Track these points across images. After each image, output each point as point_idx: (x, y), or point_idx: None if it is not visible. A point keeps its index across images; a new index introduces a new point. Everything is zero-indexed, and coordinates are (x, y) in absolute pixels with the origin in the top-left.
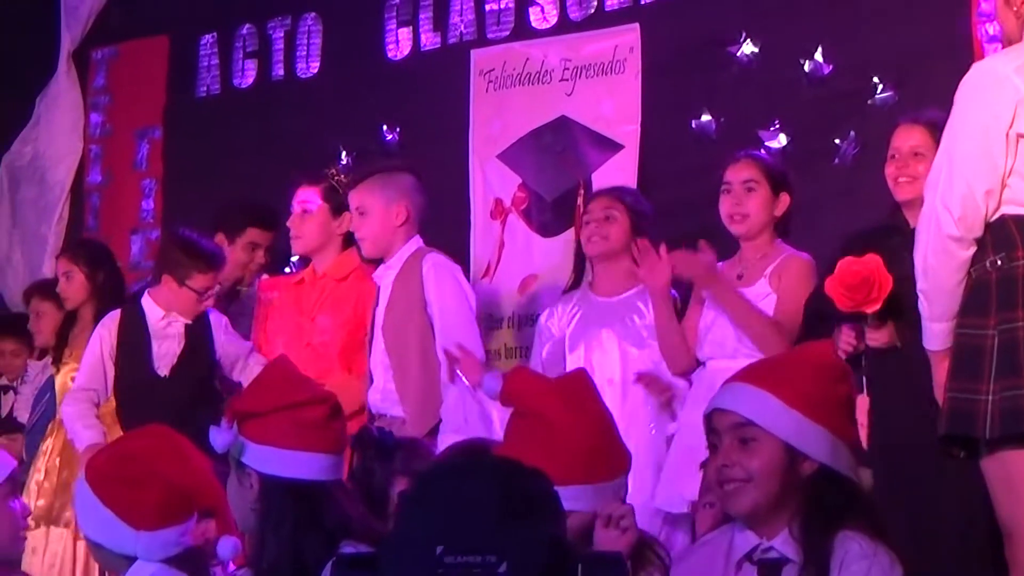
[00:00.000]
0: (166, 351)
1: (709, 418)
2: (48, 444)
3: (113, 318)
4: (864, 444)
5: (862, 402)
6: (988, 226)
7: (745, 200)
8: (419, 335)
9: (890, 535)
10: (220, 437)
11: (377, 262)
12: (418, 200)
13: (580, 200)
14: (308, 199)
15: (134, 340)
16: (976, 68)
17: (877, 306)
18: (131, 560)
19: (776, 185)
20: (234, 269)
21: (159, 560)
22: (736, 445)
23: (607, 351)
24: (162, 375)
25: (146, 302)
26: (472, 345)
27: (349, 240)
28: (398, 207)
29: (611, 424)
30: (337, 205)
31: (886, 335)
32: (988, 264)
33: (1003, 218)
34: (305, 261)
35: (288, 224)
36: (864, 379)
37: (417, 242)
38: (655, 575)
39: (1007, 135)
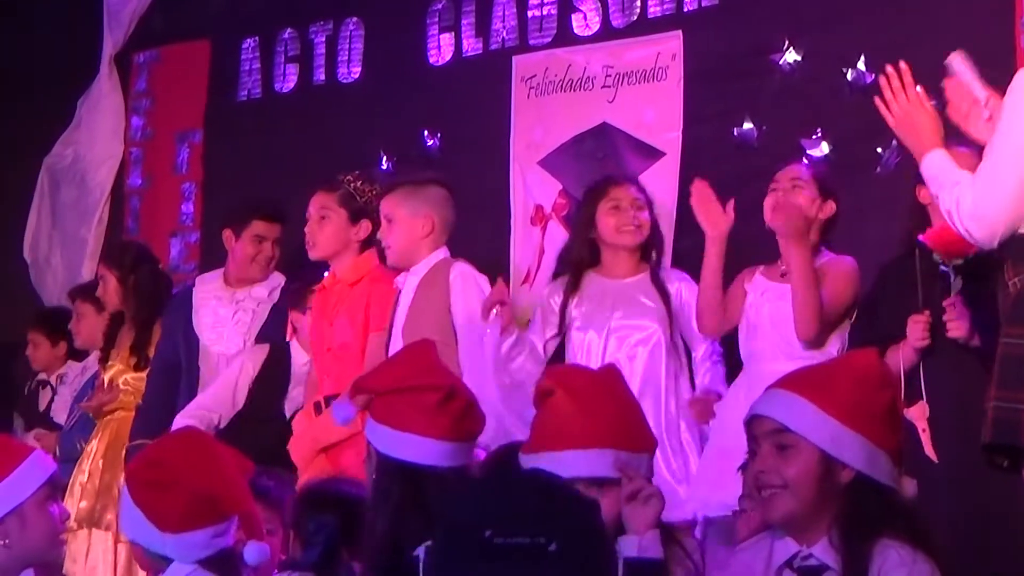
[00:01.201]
0: (296, 395)
1: (749, 424)
2: (93, 446)
3: (262, 350)
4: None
5: (922, 409)
6: None
7: (790, 195)
8: (440, 341)
9: (937, 543)
10: (341, 411)
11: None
12: (445, 213)
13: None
14: (325, 205)
15: (274, 381)
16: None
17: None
18: (168, 560)
19: (824, 190)
20: (243, 263)
21: (193, 561)
22: (773, 451)
23: (620, 333)
24: (286, 417)
25: (295, 345)
26: (486, 360)
27: (369, 245)
28: (424, 219)
29: (638, 406)
30: (354, 211)
31: (966, 324)
32: None
33: None
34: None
35: (306, 231)
36: (923, 385)
37: (444, 252)
38: (677, 572)
39: None
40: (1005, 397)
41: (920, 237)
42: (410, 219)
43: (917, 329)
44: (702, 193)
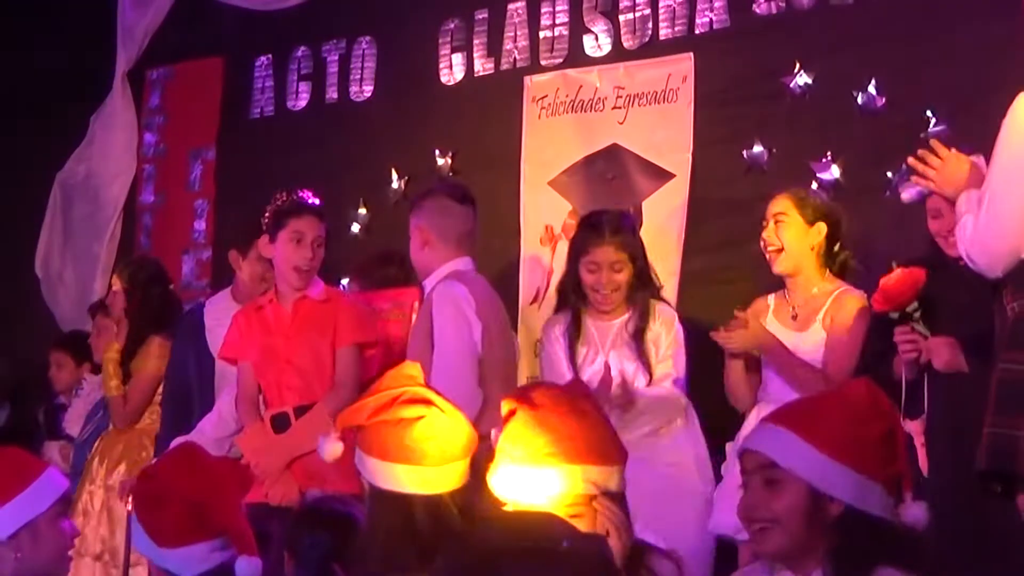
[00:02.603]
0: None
1: (741, 458)
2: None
3: None
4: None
5: (914, 426)
6: None
7: (776, 232)
8: (425, 360)
9: (938, 569)
10: (327, 447)
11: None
12: (442, 223)
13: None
14: (320, 233)
15: None
16: (1020, 104)
17: (913, 300)
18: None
19: (809, 216)
20: (251, 283)
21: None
22: (761, 486)
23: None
24: None
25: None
26: (456, 387)
27: None
28: (416, 231)
29: (605, 419)
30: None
31: (947, 352)
32: None
33: None
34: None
35: (298, 254)
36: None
37: (453, 266)
38: None
39: None
40: (1001, 423)
41: (876, 308)
42: (411, 231)
43: (901, 342)
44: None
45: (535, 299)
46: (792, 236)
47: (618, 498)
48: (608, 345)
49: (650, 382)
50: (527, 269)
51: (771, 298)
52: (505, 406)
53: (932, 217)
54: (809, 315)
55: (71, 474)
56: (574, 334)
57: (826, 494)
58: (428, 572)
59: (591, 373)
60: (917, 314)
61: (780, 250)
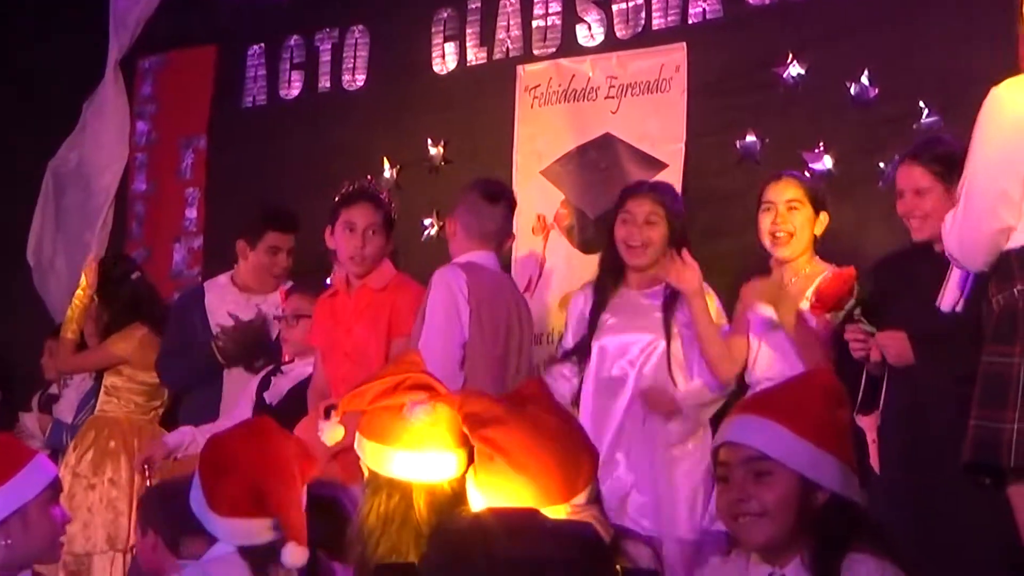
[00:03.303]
0: None
1: (717, 451)
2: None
3: None
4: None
5: (868, 421)
6: (1015, 253)
7: (790, 219)
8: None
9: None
10: (328, 430)
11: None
12: (470, 219)
13: None
14: (375, 220)
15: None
16: (992, 97)
17: (848, 299)
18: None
19: (817, 205)
20: (257, 273)
21: (234, 546)
22: (750, 479)
23: (641, 344)
24: None
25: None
26: (436, 365)
27: None
28: (450, 223)
29: (573, 436)
30: (391, 224)
31: (896, 345)
32: (1016, 292)
33: None
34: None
35: (350, 244)
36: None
37: (468, 257)
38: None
39: (1021, 172)
40: (986, 416)
41: (813, 311)
42: (449, 225)
43: (851, 339)
44: (668, 262)
45: (527, 288)
46: (802, 223)
47: (594, 499)
48: (625, 316)
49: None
50: (519, 258)
51: (758, 286)
52: (479, 448)
53: (898, 197)
54: (797, 295)
55: (47, 447)
56: (599, 306)
57: (814, 482)
58: (420, 558)
59: (617, 343)
60: (858, 311)
61: (792, 235)
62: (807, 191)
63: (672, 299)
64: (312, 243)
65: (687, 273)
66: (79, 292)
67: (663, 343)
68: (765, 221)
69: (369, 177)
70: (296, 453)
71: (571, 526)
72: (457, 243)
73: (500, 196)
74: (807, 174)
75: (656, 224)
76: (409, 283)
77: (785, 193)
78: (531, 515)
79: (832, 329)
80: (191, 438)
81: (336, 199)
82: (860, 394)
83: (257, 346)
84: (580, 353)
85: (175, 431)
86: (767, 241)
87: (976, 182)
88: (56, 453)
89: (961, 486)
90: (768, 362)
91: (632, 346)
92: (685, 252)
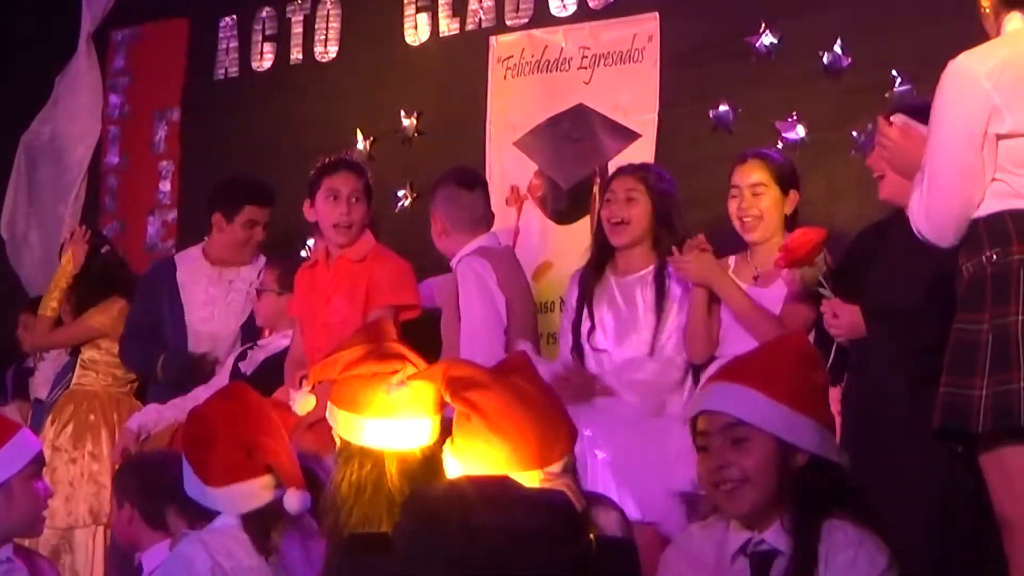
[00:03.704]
0: None
1: (694, 420)
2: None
3: None
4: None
5: (834, 393)
6: (983, 221)
7: (755, 204)
8: (454, 342)
9: (880, 518)
10: (301, 400)
11: None
12: (452, 210)
13: (596, 188)
14: (358, 188)
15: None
16: (951, 69)
17: (813, 256)
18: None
19: (785, 184)
20: (232, 247)
21: (239, 514)
22: (728, 446)
23: (628, 325)
24: None
25: None
26: (484, 357)
27: None
28: (434, 219)
29: (550, 410)
30: (370, 189)
31: (850, 315)
32: (984, 259)
33: (999, 213)
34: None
35: (335, 212)
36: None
37: (477, 243)
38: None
39: (985, 142)
40: (954, 383)
41: (778, 265)
42: (431, 218)
43: (825, 312)
44: (675, 258)
45: None
46: (769, 205)
47: (569, 471)
48: (611, 302)
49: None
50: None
51: (731, 259)
52: (458, 410)
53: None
54: (771, 275)
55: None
56: (588, 289)
57: (792, 445)
58: (394, 526)
59: (606, 328)
60: (821, 275)
61: (759, 218)
62: (772, 172)
63: (661, 272)
64: (285, 215)
65: (685, 266)
66: (63, 269)
67: (647, 333)
68: (732, 206)
69: (346, 150)
70: (274, 407)
71: (545, 495)
72: (451, 239)
73: (476, 182)
74: (780, 144)
75: (636, 201)
76: (388, 254)
77: (749, 177)
78: (504, 483)
79: (798, 290)
80: (156, 416)
81: (315, 170)
82: (828, 365)
83: (195, 378)
84: (577, 349)
85: (138, 412)
86: (736, 225)
87: (940, 158)
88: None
89: (906, 463)
90: (735, 341)
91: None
92: (695, 241)
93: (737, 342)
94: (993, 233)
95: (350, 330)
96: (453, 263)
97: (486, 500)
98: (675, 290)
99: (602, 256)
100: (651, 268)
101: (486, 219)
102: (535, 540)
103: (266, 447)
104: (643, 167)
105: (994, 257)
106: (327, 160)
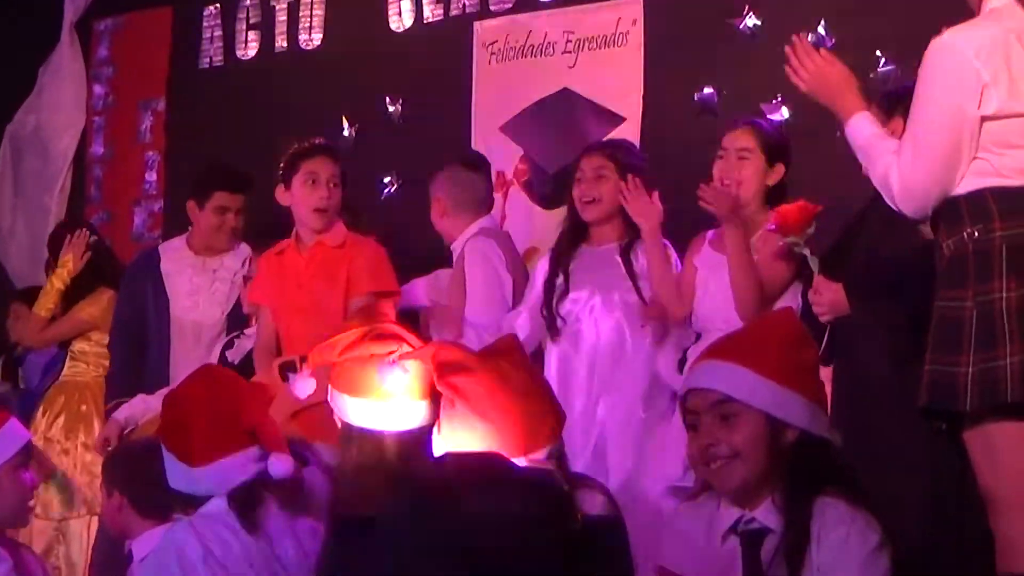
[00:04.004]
0: None
1: (684, 399)
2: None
3: None
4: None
5: (825, 373)
6: (964, 198)
7: (737, 168)
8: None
9: (870, 495)
10: (300, 384)
11: None
12: (456, 191)
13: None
14: (336, 172)
15: None
16: (939, 46)
17: (805, 227)
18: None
19: (772, 155)
20: (207, 233)
21: (228, 490)
22: (718, 423)
23: (606, 296)
24: None
25: None
26: (485, 320)
27: None
28: (435, 201)
29: (538, 392)
30: (345, 177)
31: (833, 293)
32: (965, 236)
33: (981, 191)
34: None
35: (315, 195)
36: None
37: (480, 224)
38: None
39: (972, 121)
40: (939, 360)
41: (769, 229)
42: (432, 200)
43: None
44: (632, 190)
45: None
46: (751, 174)
47: (555, 458)
48: (587, 274)
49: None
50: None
51: (710, 232)
52: (444, 395)
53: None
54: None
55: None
56: (559, 265)
57: (782, 421)
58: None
59: (576, 304)
60: (805, 248)
61: (739, 183)
62: (760, 140)
63: (629, 247)
64: (274, 203)
65: (649, 208)
66: (60, 271)
67: (622, 293)
68: (716, 168)
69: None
70: (248, 382)
71: (536, 478)
72: (452, 221)
73: (481, 164)
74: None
75: (606, 178)
76: (365, 241)
77: (737, 141)
78: (494, 462)
79: (786, 256)
80: (143, 406)
81: (290, 154)
82: (823, 346)
83: None
84: (549, 319)
85: (125, 404)
86: (716, 186)
87: (928, 135)
88: (27, 420)
89: (891, 442)
90: (713, 308)
91: (593, 298)
92: (655, 193)
93: (717, 314)
94: (974, 210)
95: (331, 317)
96: (455, 245)
97: (475, 482)
98: (642, 262)
99: (576, 233)
100: (621, 242)
101: (487, 202)
102: (523, 522)
103: (246, 413)
104: (611, 144)
105: (975, 234)
106: (304, 145)
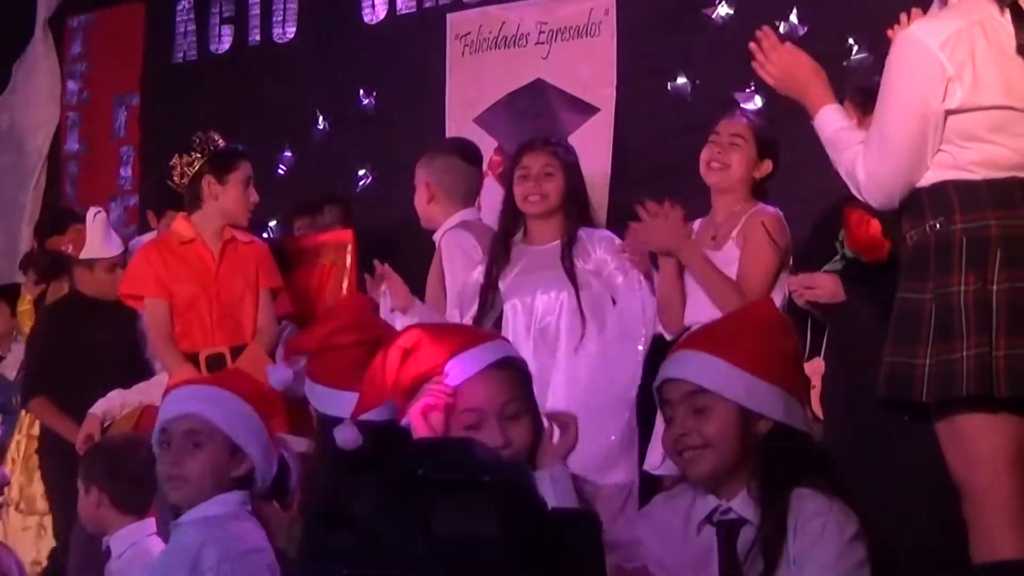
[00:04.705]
0: None
1: (660, 389)
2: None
3: None
4: (816, 407)
5: (817, 365)
6: (926, 190)
7: (728, 152)
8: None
9: (850, 488)
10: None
11: None
12: (448, 180)
13: None
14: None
15: None
16: (904, 39)
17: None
18: None
19: (763, 149)
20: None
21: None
22: (690, 413)
23: (550, 295)
24: None
25: None
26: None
27: None
28: (423, 187)
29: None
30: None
31: (830, 284)
32: (927, 228)
33: (943, 183)
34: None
35: (250, 197)
36: (824, 342)
37: (461, 216)
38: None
39: (937, 114)
40: (898, 352)
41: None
42: (417, 187)
43: (793, 289)
44: (652, 214)
45: None
46: (740, 159)
47: None
48: (527, 272)
49: (585, 322)
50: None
51: (696, 223)
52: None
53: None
54: (724, 236)
55: None
56: (498, 255)
57: (755, 412)
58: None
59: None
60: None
61: (727, 166)
62: (754, 132)
63: (569, 247)
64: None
65: (650, 234)
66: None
67: (566, 295)
68: (706, 152)
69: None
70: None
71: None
72: (438, 207)
73: (476, 155)
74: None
75: (553, 176)
76: (256, 238)
77: (732, 127)
78: (466, 449)
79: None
80: (120, 400)
81: (228, 151)
82: (807, 341)
83: None
84: (481, 308)
85: (102, 399)
86: (702, 169)
87: (894, 128)
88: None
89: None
90: (699, 303)
91: (540, 300)
92: (661, 208)
93: (701, 308)
94: (936, 202)
95: (249, 310)
96: (437, 235)
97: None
98: (579, 264)
99: (513, 227)
100: (560, 241)
101: (473, 196)
102: (492, 515)
103: None
104: (555, 143)
105: (937, 226)
106: (238, 147)
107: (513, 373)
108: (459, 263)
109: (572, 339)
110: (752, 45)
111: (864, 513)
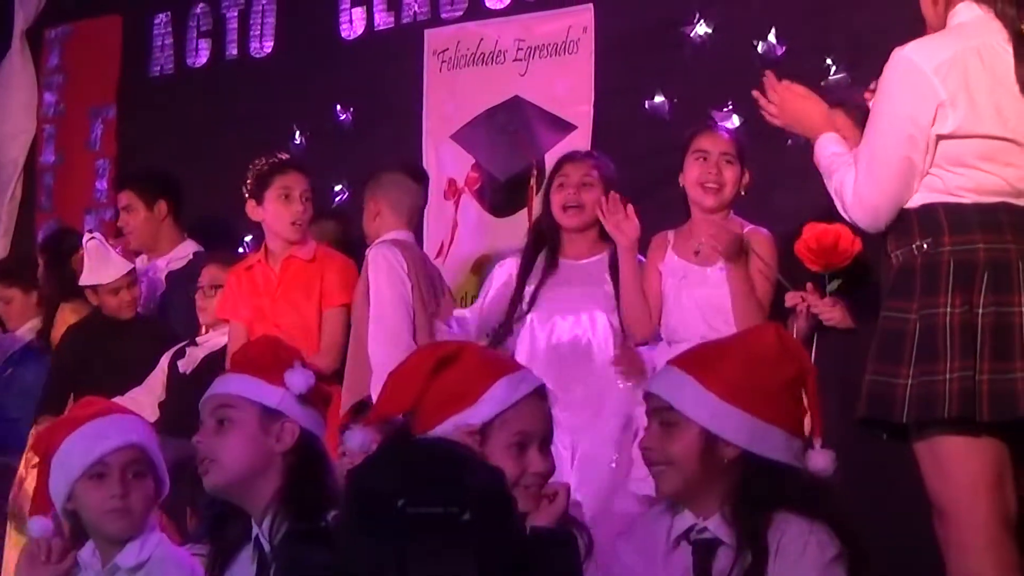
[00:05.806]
0: None
1: (645, 400)
2: None
3: None
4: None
5: None
6: (915, 211)
7: (724, 171)
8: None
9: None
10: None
11: None
12: (396, 197)
13: (533, 180)
14: (307, 186)
15: None
16: (899, 60)
17: (847, 263)
18: None
19: (743, 162)
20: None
21: None
22: (659, 429)
23: (577, 311)
24: None
25: None
26: (393, 341)
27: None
28: (372, 203)
29: None
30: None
31: (840, 312)
32: (915, 248)
33: (932, 205)
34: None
35: (290, 210)
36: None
37: (393, 235)
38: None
39: (928, 138)
40: (879, 371)
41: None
42: (365, 207)
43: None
44: (611, 205)
45: (439, 253)
46: (732, 177)
47: None
48: (563, 286)
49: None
50: (431, 223)
51: (670, 234)
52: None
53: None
54: (713, 253)
55: None
56: (525, 276)
57: (720, 437)
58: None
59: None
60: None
61: (723, 186)
62: (737, 146)
63: (614, 264)
64: (223, 211)
65: (627, 224)
66: None
67: (604, 314)
68: (695, 170)
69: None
70: None
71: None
72: (382, 221)
73: (421, 175)
74: (726, 134)
75: (592, 186)
76: (335, 253)
77: (720, 145)
78: (450, 453)
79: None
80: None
81: (261, 170)
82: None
83: None
84: (506, 324)
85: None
86: (695, 191)
87: (883, 150)
88: None
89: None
90: (683, 321)
91: (576, 318)
92: (630, 207)
93: (691, 325)
94: (924, 224)
95: (307, 331)
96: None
97: (422, 481)
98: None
99: (546, 240)
100: (605, 254)
101: (418, 215)
102: (471, 530)
103: None
104: (595, 155)
105: (924, 247)
106: (274, 160)
107: (546, 403)
108: (383, 275)
109: (604, 357)
110: (755, 92)
111: (860, 543)
